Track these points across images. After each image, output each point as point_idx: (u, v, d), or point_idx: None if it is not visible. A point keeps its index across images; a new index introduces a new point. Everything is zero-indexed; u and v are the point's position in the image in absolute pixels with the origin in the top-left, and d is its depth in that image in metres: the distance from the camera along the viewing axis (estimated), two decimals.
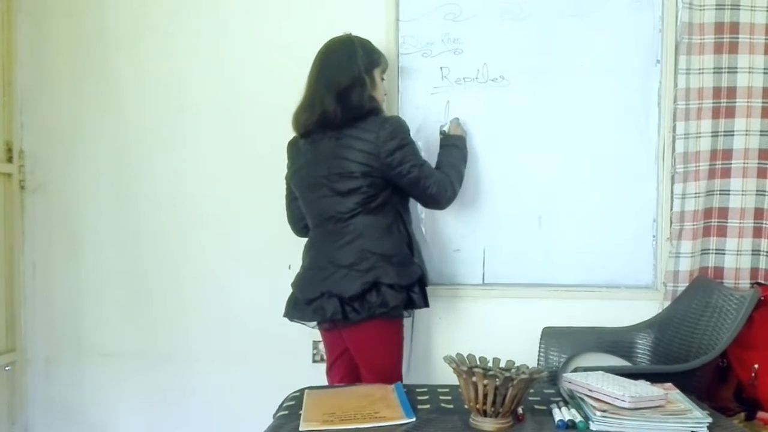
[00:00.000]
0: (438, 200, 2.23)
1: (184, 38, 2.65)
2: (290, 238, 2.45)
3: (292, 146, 2.26)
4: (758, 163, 2.46)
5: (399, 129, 2.12)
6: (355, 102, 2.10)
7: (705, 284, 2.38)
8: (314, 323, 2.24)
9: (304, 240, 2.32)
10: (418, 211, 2.60)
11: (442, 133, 2.49)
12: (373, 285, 2.08)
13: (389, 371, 2.16)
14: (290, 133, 2.26)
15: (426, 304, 2.22)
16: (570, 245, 2.58)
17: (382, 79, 2.26)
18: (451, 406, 1.78)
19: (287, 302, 2.25)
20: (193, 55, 2.65)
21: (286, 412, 1.77)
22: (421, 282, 2.20)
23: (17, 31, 2.69)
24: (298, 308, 2.19)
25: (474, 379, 1.57)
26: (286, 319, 2.26)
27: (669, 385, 1.76)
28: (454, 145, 2.40)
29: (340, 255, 2.12)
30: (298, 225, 2.35)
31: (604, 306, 2.53)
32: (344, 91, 2.10)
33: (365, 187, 2.10)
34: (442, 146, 2.41)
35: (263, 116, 2.61)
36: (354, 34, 2.23)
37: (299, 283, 2.22)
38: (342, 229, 2.13)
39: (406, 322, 2.32)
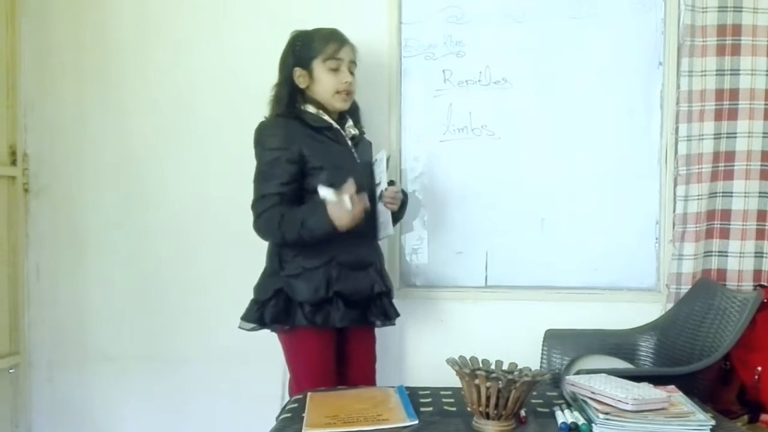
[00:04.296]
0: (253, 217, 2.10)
1: (187, 40, 2.66)
2: None
3: None
4: (761, 165, 2.46)
5: (258, 137, 2.12)
6: (274, 104, 2.15)
7: (708, 286, 2.38)
8: None
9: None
10: (422, 212, 2.61)
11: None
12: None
13: (292, 382, 2.17)
14: None
15: (283, 321, 2.07)
16: (572, 247, 2.58)
17: (332, 68, 2.10)
18: (454, 409, 1.78)
19: None
20: (197, 58, 2.65)
21: (289, 414, 1.77)
22: (285, 297, 2.07)
23: (21, 33, 2.69)
24: None
25: (477, 381, 1.57)
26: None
27: (672, 387, 1.76)
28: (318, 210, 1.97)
29: None
30: None
31: (607, 308, 2.53)
32: (274, 94, 2.16)
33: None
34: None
35: None
36: (301, 28, 2.22)
37: None
38: None
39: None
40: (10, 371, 2.69)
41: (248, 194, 2.63)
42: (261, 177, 2.09)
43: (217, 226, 2.67)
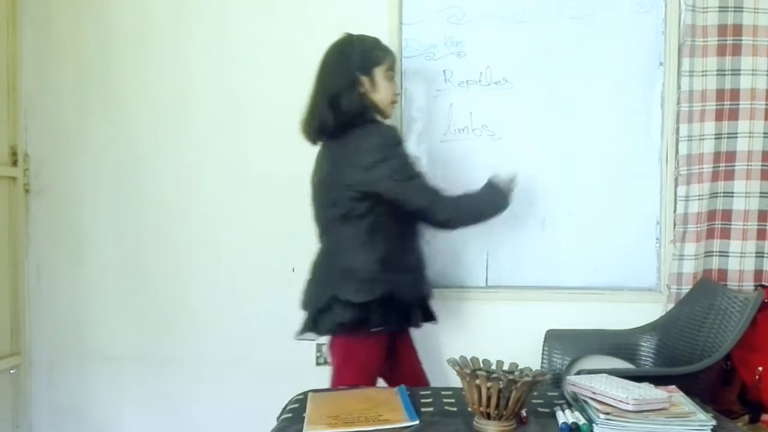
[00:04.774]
0: (427, 218, 2.10)
1: (188, 41, 2.66)
2: (294, 241, 2.44)
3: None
4: (761, 165, 2.46)
5: (384, 142, 2.03)
6: (344, 107, 2.04)
7: (708, 286, 2.38)
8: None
9: (309, 242, 2.33)
10: None
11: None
12: (331, 299, 2.04)
13: (337, 384, 2.10)
14: (295, 136, 2.27)
15: (386, 324, 2.04)
16: (573, 248, 2.58)
17: (390, 78, 2.13)
18: (455, 409, 1.77)
19: None
20: (198, 59, 2.66)
21: (290, 414, 1.77)
22: (388, 300, 2.03)
23: (22, 34, 2.70)
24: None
25: (477, 381, 1.57)
26: (289, 322, 2.25)
27: (673, 387, 1.76)
28: (493, 190, 2.21)
29: (315, 266, 2.14)
30: None
31: (608, 308, 2.53)
32: (336, 96, 2.05)
33: (346, 199, 2.04)
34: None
35: (267, 119, 2.62)
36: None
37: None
38: (324, 240, 2.14)
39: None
40: (11, 371, 2.69)
41: (247, 196, 2.65)
42: (416, 177, 2.08)
43: (217, 228, 2.67)
